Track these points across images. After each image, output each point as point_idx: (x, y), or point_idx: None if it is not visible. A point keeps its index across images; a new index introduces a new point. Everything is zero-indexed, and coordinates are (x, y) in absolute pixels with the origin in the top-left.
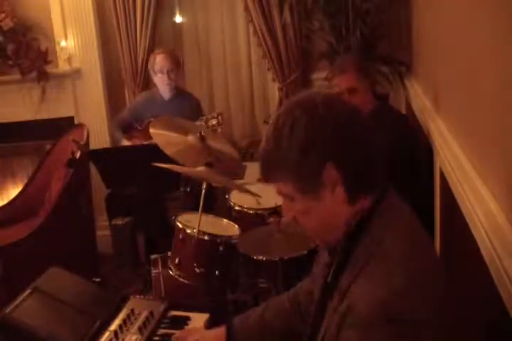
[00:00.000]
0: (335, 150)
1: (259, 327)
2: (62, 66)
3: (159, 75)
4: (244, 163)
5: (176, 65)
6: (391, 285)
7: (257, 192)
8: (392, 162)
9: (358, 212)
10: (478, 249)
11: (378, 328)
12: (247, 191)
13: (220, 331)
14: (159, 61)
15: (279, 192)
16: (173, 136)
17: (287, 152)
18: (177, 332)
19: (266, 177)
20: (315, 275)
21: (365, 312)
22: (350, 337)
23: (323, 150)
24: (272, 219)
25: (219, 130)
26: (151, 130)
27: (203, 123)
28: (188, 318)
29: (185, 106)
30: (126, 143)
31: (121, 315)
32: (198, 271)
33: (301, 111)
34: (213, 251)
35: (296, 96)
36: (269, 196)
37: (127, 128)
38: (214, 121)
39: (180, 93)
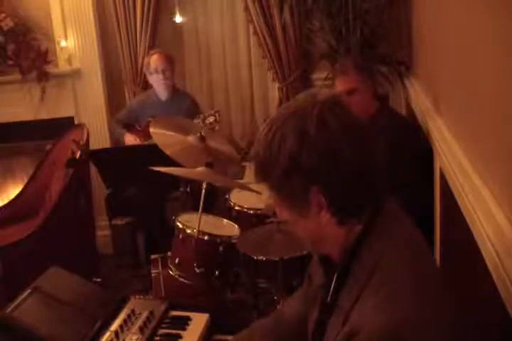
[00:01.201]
0: (320, 176)
1: None
2: (62, 66)
3: (154, 75)
4: (244, 163)
5: (171, 64)
6: (397, 307)
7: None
8: (393, 164)
9: (352, 230)
10: (478, 249)
11: None
12: (248, 188)
13: None
14: (154, 61)
15: (270, 194)
16: (173, 136)
17: (273, 168)
18: None
19: (256, 179)
20: (308, 294)
21: (373, 338)
22: None
23: (308, 175)
24: (271, 219)
25: (217, 127)
26: (151, 130)
27: (201, 121)
28: (188, 318)
29: (183, 106)
30: (128, 137)
31: (122, 315)
32: (198, 271)
33: (292, 129)
34: (213, 251)
35: (295, 101)
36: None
37: (126, 129)
38: (211, 119)
39: (175, 92)
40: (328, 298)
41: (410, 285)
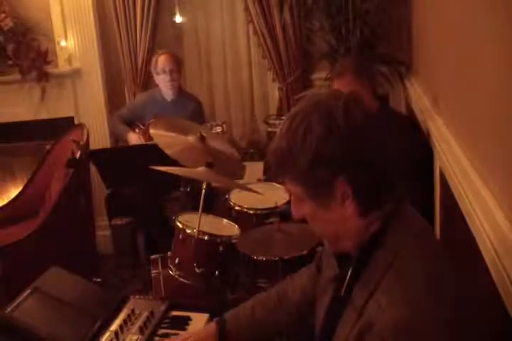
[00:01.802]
0: (347, 165)
1: (250, 325)
2: (62, 66)
3: (162, 76)
4: (244, 163)
5: (178, 65)
6: (412, 303)
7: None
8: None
9: (372, 224)
10: (478, 249)
11: None
12: (249, 189)
13: (211, 329)
14: (161, 61)
15: (288, 191)
16: (174, 136)
17: (298, 158)
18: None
19: (275, 175)
20: (320, 282)
21: (387, 333)
22: None
23: (335, 165)
24: (272, 219)
25: None
26: (152, 130)
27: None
28: (188, 318)
29: (188, 108)
30: (132, 136)
31: (122, 315)
32: (198, 271)
33: (317, 118)
34: (213, 251)
35: (317, 95)
36: (270, 196)
37: (129, 126)
38: (218, 129)
39: (182, 94)
40: (342, 291)
41: (423, 283)
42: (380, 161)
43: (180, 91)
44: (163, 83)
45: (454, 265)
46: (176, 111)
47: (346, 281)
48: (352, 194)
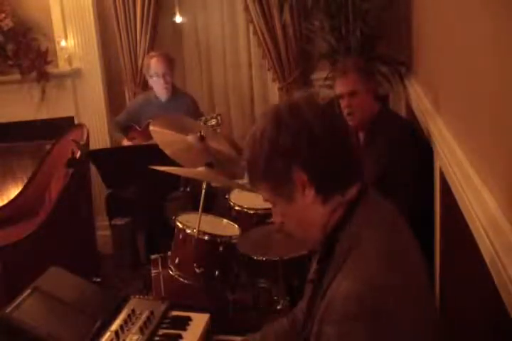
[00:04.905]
0: (298, 153)
1: None
2: (62, 66)
3: (155, 78)
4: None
5: (171, 67)
6: (366, 280)
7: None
8: (393, 164)
9: (336, 211)
10: (478, 249)
11: (354, 323)
12: (249, 189)
13: None
14: (154, 65)
15: (264, 199)
16: (173, 135)
17: (259, 159)
18: None
19: (251, 185)
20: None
21: (341, 308)
22: (329, 334)
23: (287, 155)
24: (272, 219)
25: (218, 130)
26: (151, 128)
27: (202, 124)
28: (188, 318)
29: (183, 106)
30: (126, 143)
31: (122, 315)
32: (198, 271)
33: (269, 120)
34: (213, 251)
35: (271, 107)
36: None
37: (126, 130)
38: (213, 122)
39: (175, 93)
40: (314, 279)
41: (376, 256)
42: (331, 148)
43: (173, 91)
44: (157, 86)
45: (417, 247)
46: (171, 111)
47: (316, 268)
48: (308, 181)
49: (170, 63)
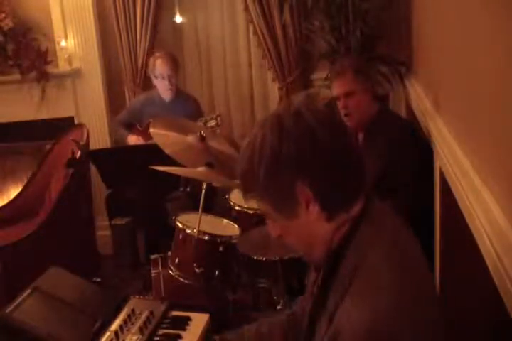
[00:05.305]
0: (303, 168)
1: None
2: (62, 66)
3: (160, 79)
4: None
5: (176, 68)
6: (377, 312)
7: None
8: (393, 165)
9: (341, 228)
10: (478, 249)
11: None
12: None
13: None
14: (159, 66)
15: (260, 211)
16: (173, 135)
17: (258, 171)
18: None
19: (245, 197)
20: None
21: (350, 339)
22: None
23: (291, 169)
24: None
25: (218, 131)
26: (151, 130)
27: (202, 125)
28: (188, 318)
29: (186, 108)
30: (131, 138)
31: (122, 315)
32: (198, 271)
33: (270, 129)
34: (213, 251)
35: (273, 111)
36: None
37: (128, 128)
38: (213, 123)
39: (179, 94)
40: (317, 297)
41: (389, 283)
42: (337, 162)
43: (177, 92)
44: (162, 87)
45: (424, 262)
46: (174, 112)
47: (317, 284)
48: (314, 197)
49: (175, 65)
